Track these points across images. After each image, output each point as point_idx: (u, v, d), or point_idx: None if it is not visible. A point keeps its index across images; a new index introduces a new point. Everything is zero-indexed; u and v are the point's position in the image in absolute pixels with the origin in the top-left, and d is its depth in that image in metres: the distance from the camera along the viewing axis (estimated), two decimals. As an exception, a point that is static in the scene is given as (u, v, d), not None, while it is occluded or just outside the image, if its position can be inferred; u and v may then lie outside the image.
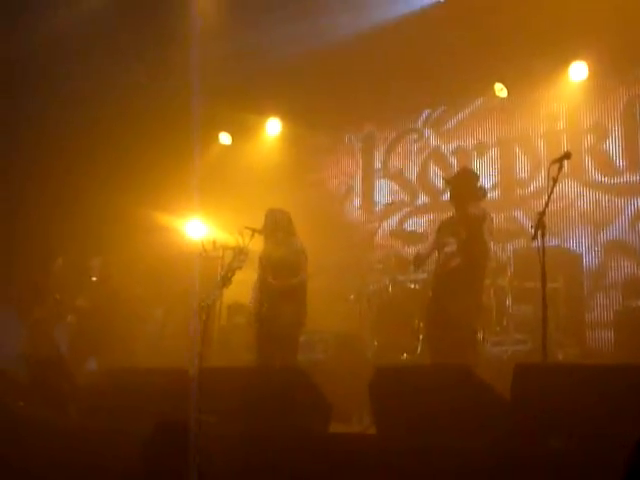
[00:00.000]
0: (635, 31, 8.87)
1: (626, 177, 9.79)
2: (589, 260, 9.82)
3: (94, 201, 10.79)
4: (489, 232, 6.83)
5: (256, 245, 7.29)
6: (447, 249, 7.03)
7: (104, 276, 9.82)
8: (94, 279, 9.78)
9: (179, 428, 4.39)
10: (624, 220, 9.68)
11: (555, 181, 5.34)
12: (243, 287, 7.79)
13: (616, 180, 9.86)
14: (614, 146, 9.93)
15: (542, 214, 5.29)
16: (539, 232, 5.24)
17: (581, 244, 9.92)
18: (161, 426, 4.47)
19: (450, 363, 6.23)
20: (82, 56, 10.22)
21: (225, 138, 12.37)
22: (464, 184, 7.15)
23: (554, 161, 5.47)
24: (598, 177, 9.98)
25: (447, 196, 10.89)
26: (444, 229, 7.29)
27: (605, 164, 9.95)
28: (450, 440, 4.59)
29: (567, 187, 9.79)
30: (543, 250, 5.18)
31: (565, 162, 5.58)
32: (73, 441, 5.92)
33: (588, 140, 10.06)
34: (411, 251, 9.99)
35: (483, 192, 7.33)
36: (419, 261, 7.60)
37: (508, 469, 4.19)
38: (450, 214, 7.49)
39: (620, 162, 9.86)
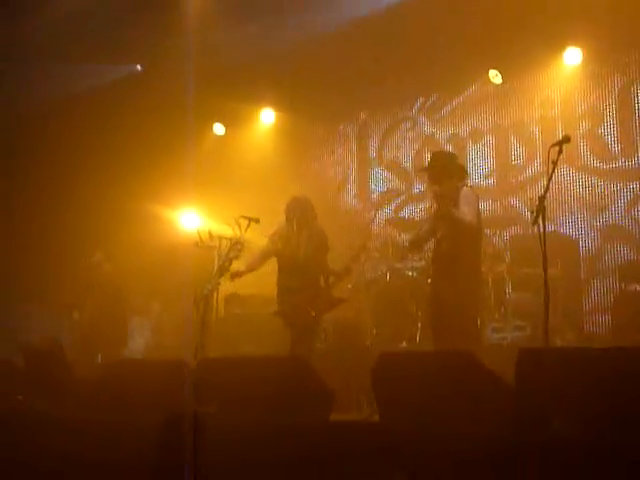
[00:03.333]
0: (628, 16, 8.86)
1: (621, 162, 9.78)
2: (586, 245, 9.81)
3: (90, 195, 10.76)
4: (472, 212, 6.70)
5: (252, 234, 7.25)
6: (437, 234, 6.99)
7: (104, 271, 9.79)
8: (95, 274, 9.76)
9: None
10: (620, 205, 9.67)
11: (555, 165, 5.31)
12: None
13: (611, 165, 9.85)
14: (609, 131, 9.91)
15: (543, 198, 5.26)
16: (540, 216, 5.20)
17: (577, 229, 9.91)
18: (171, 420, 4.43)
19: (453, 349, 6.20)
20: (75, 49, 10.18)
21: (219, 128, 12.34)
22: (438, 166, 7.08)
23: (554, 144, 5.44)
24: (594, 162, 9.96)
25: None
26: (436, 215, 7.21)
27: (600, 149, 9.94)
28: (454, 426, 4.56)
29: (563, 173, 9.75)
30: (544, 234, 5.15)
31: (559, 150, 5.54)
32: (71, 433, 5.89)
33: (583, 125, 10.04)
34: (407, 239, 9.96)
35: (463, 173, 7.22)
36: (412, 246, 7.59)
37: (513, 454, 4.17)
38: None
39: (615, 147, 9.85)
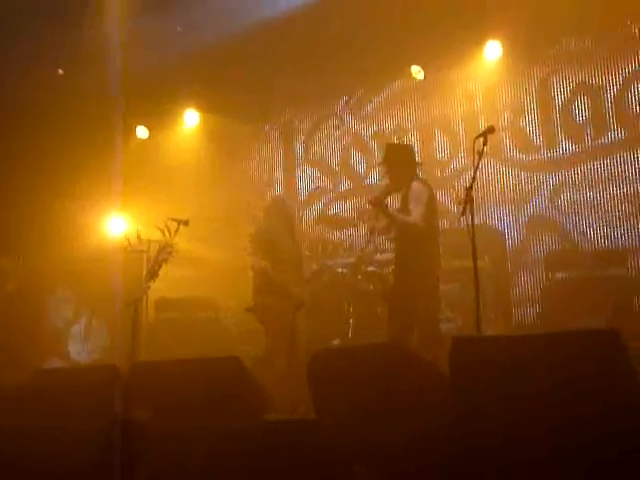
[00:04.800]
0: (545, 9, 9.01)
1: (543, 153, 9.94)
2: (511, 237, 9.96)
3: (12, 201, 10.50)
4: (419, 210, 6.71)
5: (182, 237, 7.16)
6: (392, 234, 7.01)
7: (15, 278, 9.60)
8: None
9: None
10: (543, 196, 9.84)
11: (480, 156, 5.37)
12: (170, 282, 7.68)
13: (534, 157, 10.01)
14: (530, 123, 10.07)
15: (470, 189, 5.31)
16: (468, 207, 5.24)
17: (503, 221, 10.05)
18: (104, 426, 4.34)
19: (386, 343, 6.22)
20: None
21: (142, 132, 12.18)
22: (389, 160, 7.10)
23: (478, 136, 5.50)
24: (516, 155, 10.11)
25: (370, 180, 11.16)
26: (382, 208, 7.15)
27: (523, 141, 10.09)
28: (390, 418, 4.57)
29: (487, 166, 9.87)
30: (472, 225, 5.20)
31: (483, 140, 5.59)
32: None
33: (505, 118, 10.18)
34: (337, 236, 9.99)
35: (414, 166, 7.23)
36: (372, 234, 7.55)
37: (453, 444, 4.20)
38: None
39: (537, 139, 10.00)
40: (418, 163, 7.34)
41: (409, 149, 7.42)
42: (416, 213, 6.60)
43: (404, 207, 6.77)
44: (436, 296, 6.88)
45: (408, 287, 6.69)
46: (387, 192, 6.94)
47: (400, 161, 7.04)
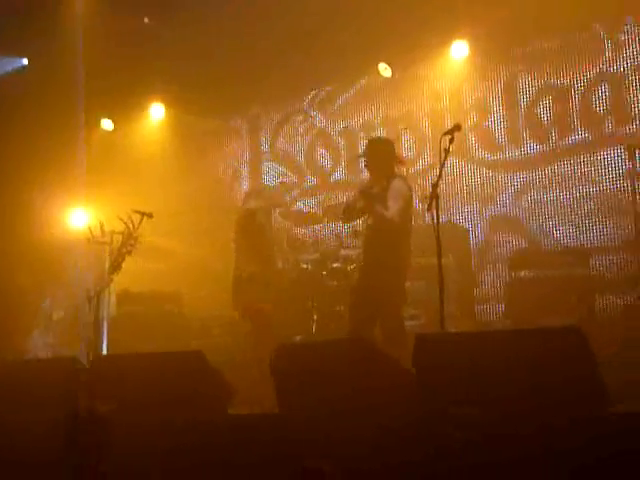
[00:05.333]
0: (513, 10, 9.06)
1: (508, 153, 10.00)
2: (476, 235, 10.01)
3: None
4: (396, 207, 6.72)
5: (146, 230, 7.11)
6: (368, 221, 7.02)
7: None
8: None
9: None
10: (507, 195, 9.91)
11: (447, 153, 5.38)
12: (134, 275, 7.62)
13: (499, 156, 10.07)
14: (496, 123, 10.13)
15: (436, 185, 5.33)
16: (433, 203, 5.26)
17: (467, 220, 10.10)
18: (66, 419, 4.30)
19: (351, 338, 6.22)
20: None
21: (108, 124, 12.08)
22: (371, 155, 7.12)
23: (445, 133, 5.51)
24: (482, 154, 10.17)
25: (336, 176, 11.17)
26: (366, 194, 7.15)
27: (488, 141, 10.15)
28: (355, 412, 4.58)
29: (452, 164, 9.91)
30: (438, 221, 5.22)
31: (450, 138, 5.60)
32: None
33: (471, 118, 10.23)
34: (302, 232, 9.98)
35: (394, 163, 7.23)
36: (345, 215, 7.51)
37: (419, 439, 4.22)
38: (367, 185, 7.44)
39: (502, 139, 10.07)
40: (399, 159, 7.37)
41: (390, 144, 7.40)
42: (393, 209, 6.64)
43: (383, 202, 6.78)
44: (402, 292, 6.89)
45: (373, 280, 6.72)
46: (368, 187, 6.95)
47: (380, 156, 7.05)
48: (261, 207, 8.29)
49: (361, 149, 10.45)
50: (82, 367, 5.73)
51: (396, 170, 7.13)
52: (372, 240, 6.93)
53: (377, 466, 4.41)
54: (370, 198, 6.76)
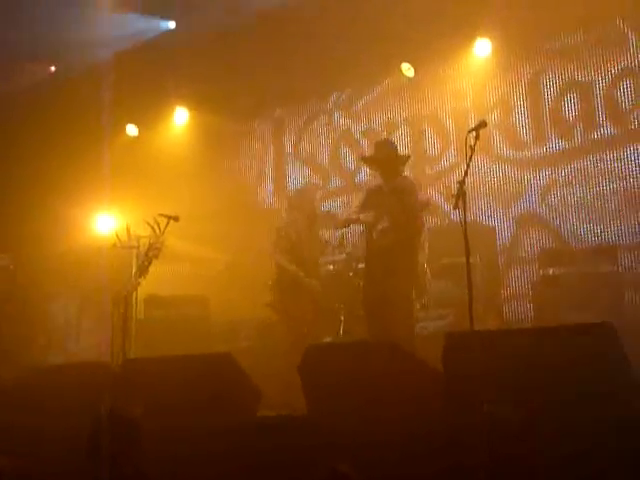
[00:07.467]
0: (536, 7, 9.01)
1: (533, 150, 9.94)
2: (502, 233, 9.95)
3: (2, 197, 10.48)
4: (419, 204, 6.78)
5: (172, 234, 7.13)
6: (378, 226, 7.02)
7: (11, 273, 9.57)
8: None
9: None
10: (534, 192, 9.84)
11: (473, 150, 5.33)
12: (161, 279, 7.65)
13: (524, 154, 10.00)
14: (520, 120, 10.06)
15: (462, 182, 5.28)
16: (460, 200, 5.21)
17: (494, 218, 10.04)
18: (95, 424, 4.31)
19: (380, 340, 6.20)
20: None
21: (132, 129, 12.15)
22: (384, 156, 7.14)
23: (471, 130, 5.46)
24: (507, 151, 10.10)
25: (360, 177, 11.14)
26: (372, 200, 7.21)
27: (512, 138, 10.08)
28: (384, 415, 4.56)
29: (477, 162, 9.84)
30: (465, 218, 5.16)
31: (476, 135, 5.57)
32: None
33: (495, 115, 10.16)
34: (327, 234, 9.95)
35: (403, 163, 7.31)
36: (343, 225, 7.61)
37: (447, 439, 4.19)
38: (375, 186, 7.48)
39: (527, 136, 10.00)
40: (406, 157, 7.41)
41: (394, 144, 7.48)
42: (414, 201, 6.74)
43: (393, 201, 6.79)
44: (410, 299, 7.02)
45: (391, 280, 6.77)
46: (378, 187, 6.98)
47: (389, 157, 7.10)
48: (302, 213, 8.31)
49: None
50: (111, 371, 5.76)
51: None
52: (385, 244, 6.94)
53: (406, 471, 4.39)
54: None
